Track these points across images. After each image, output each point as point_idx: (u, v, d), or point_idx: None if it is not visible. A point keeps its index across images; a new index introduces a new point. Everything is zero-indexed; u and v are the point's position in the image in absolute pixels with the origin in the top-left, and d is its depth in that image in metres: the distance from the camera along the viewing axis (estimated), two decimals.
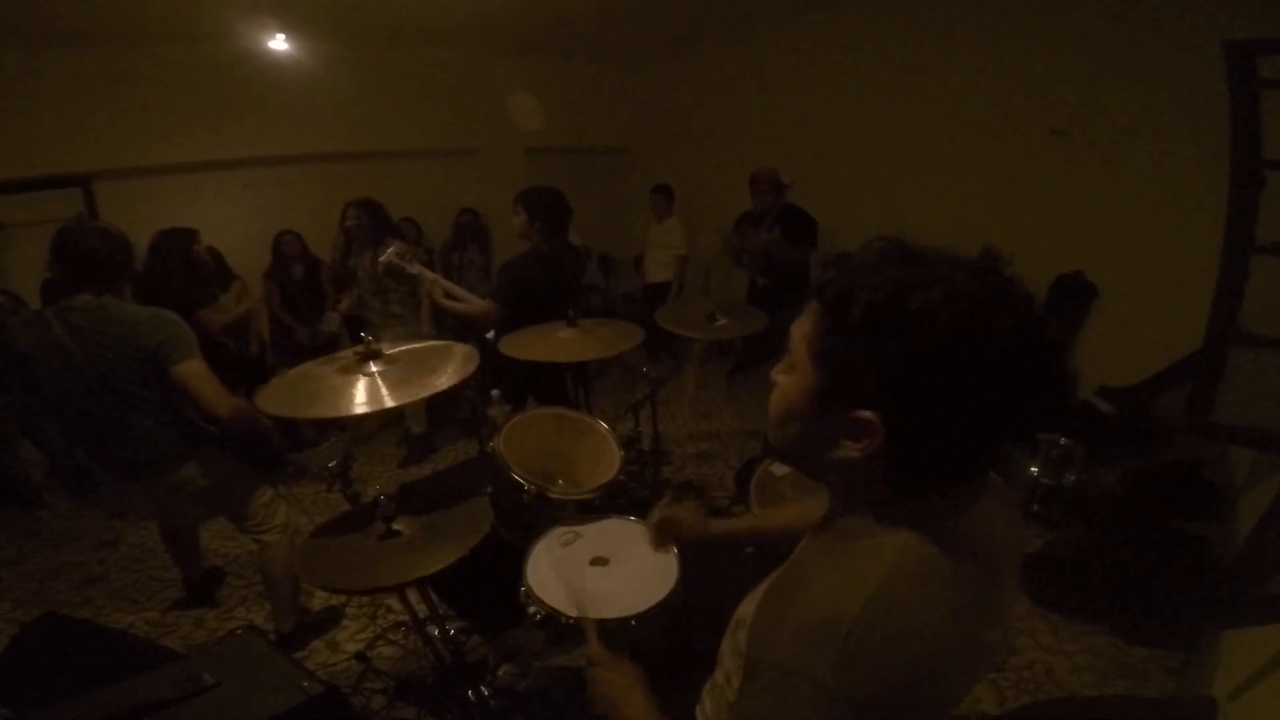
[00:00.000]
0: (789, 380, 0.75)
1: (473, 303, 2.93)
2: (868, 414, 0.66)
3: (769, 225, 4.15)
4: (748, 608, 0.85)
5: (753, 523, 1.50)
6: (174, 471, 2.15)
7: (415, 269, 3.01)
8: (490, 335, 2.76)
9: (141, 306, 2.08)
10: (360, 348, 1.75)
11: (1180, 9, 3.15)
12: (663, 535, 1.55)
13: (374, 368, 1.72)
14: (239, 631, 1.60)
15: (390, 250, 3.01)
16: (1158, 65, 3.29)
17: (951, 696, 0.70)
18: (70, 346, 1.93)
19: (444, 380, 1.69)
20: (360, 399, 1.62)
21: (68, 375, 1.96)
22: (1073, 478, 3.00)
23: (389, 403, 1.62)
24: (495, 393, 2.38)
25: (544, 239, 2.86)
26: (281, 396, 1.66)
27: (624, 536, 1.69)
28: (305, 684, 1.37)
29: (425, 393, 1.67)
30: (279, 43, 4.69)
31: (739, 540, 1.46)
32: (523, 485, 1.87)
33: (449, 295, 2.93)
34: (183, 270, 3.65)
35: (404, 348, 1.88)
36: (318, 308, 4.69)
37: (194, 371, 2.01)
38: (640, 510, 1.83)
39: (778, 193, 4.23)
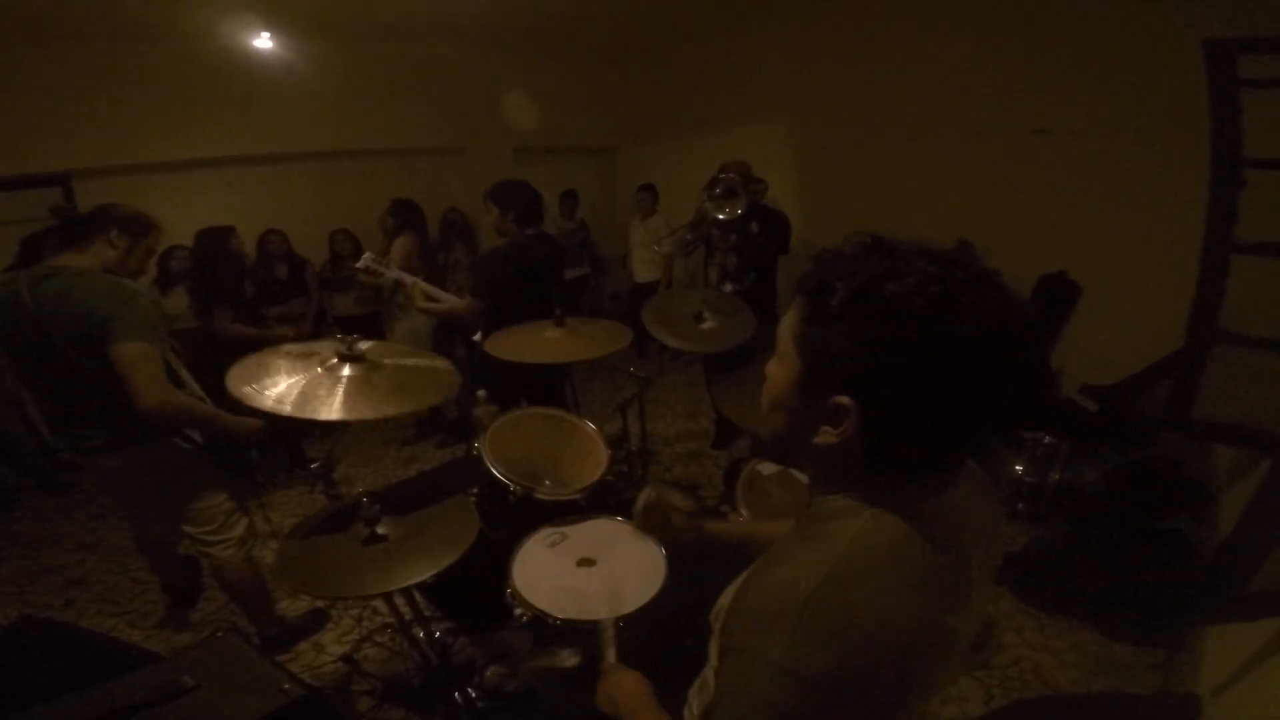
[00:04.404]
0: (777, 371, 0.78)
1: (451, 301, 2.94)
2: (844, 399, 0.68)
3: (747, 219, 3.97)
4: (727, 597, 0.87)
5: (749, 529, 1.38)
6: (123, 453, 2.04)
7: (394, 274, 3.01)
8: (477, 338, 2.75)
9: (105, 276, 1.92)
10: (343, 346, 1.72)
11: (1162, 8, 3.18)
12: (647, 523, 1.39)
13: (346, 372, 1.68)
14: (220, 634, 1.57)
15: (366, 256, 3.01)
16: (1139, 65, 3.32)
17: (912, 681, 0.69)
18: (36, 313, 1.84)
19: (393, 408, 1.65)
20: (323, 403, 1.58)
21: (37, 343, 1.87)
22: (1057, 475, 3.01)
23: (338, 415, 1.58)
24: (481, 393, 2.36)
25: (519, 231, 2.86)
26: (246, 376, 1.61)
27: (611, 537, 1.69)
28: (287, 686, 1.35)
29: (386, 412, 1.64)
30: (263, 41, 4.65)
31: (729, 548, 1.33)
32: (509, 486, 1.85)
33: (428, 298, 2.94)
34: (223, 264, 3.70)
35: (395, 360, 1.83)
36: None
37: (130, 353, 1.83)
38: (627, 511, 1.82)
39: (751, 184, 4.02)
